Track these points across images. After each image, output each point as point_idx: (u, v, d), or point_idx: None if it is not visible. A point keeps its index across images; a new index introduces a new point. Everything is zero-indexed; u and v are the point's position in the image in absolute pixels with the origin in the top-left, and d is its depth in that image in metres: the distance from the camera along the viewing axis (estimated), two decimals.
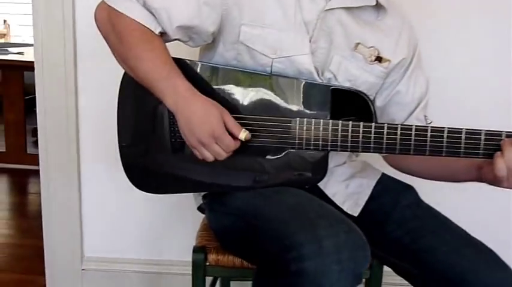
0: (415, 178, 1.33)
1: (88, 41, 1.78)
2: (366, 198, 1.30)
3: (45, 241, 1.95)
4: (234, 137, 1.09)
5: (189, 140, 1.10)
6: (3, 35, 5.01)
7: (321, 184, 1.26)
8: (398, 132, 1.09)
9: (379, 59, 1.22)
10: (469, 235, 1.20)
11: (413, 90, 1.28)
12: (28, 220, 2.82)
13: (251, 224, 1.11)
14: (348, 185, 1.30)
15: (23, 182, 3.47)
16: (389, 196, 1.30)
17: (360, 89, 1.20)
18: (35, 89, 1.83)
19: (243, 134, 1.10)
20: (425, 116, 1.30)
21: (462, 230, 1.21)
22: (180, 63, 1.14)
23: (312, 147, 1.13)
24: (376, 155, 1.31)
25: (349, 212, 1.26)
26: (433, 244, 1.17)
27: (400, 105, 1.29)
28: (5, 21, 5.06)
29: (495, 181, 1.07)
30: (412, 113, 1.28)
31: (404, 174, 1.36)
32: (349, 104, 1.15)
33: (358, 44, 1.20)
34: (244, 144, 1.11)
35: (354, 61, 1.20)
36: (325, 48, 1.19)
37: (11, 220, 2.89)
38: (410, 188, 1.32)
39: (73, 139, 1.86)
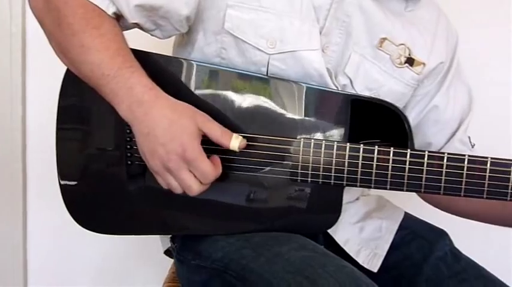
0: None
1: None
2: (387, 246, 0.98)
3: None
4: (222, 149, 0.78)
5: (149, 163, 0.78)
6: None
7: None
8: (445, 164, 0.77)
9: (410, 61, 0.91)
10: None
11: (453, 105, 0.98)
12: None
13: (233, 286, 0.78)
14: (362, 229, 0.99)
15: None
16: (418, 244, 0.99)
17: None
18: None
19: (236, 142, 0.78)
20: (469, 137, 0.99)
21: None
22: (140, 56, 0.81)
23: (320, 179, 0.81)
24: None
25: (366, 266, 0.95)
26: None
27: (439, 125, 0.98)
28: None
29: None
30: (454, 134, 0.98)
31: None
32: (373, 122, 0.84)
33: (385, 39, 0.89)
34: (227, 172, 0.79)
35: (376, 62, 0.90)
36: (340, 44, 0.88)
37: None
38: (444, 234, 1.01)
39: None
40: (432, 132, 0.98)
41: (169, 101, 0.77)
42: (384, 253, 0.97)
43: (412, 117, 0.97)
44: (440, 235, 1.01)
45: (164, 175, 0.78)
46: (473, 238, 1.24)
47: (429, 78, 0.95)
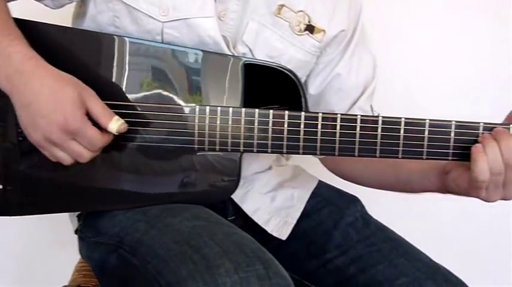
0: None
1: None
2: (298, 214, 0.98)
3: None
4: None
5: (31, 137, 0.75)
6: None
7: (236, 197, 0.93)
8: (338, 125, 0.77)
9: (310, 28, 0.90)
10: (434, 262, 0.93)
11: (356, 73, 0.98)
12: None
13: (127, 262, 0.76)
14: (273, 198, 0.98)
15: None
16: (329, 211, 0.99)
17: None
18: None
19: (115, 124, 0.75)
20: (371, 106, 0.99)
21: (425, 256, 0.94)
22: (22, 25, 0.78)
23: (217, 146, 0.80)
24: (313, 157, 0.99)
25: (274, 234, 0.94)
26: (387, 274, 0.90)
27: (341, 93, 0.98)
28: None
29: (470, 189, 0.77)
30: (356, 102, 0.98)
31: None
32: (270, 87, 0.83)
33: (283, 6, 0.88)
34: (120, 139, 0.77)
35: (276, 30, 0.88)
36: (238, 12, 0.87)
37: None
38: (355, 200, 1.02)
39: None
40: (335, 100, 0.98)
41: (51, 71, 0.74)
42: (295, 221, 0.97)
43: (316, 85, 0.97)
44: (352, 202, 1.01)
45: (49, 148, 0.75)
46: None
47: (331, 46, 0.95)
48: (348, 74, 0.97)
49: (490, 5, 1.45)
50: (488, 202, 0.75)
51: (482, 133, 0.75)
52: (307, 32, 0.90)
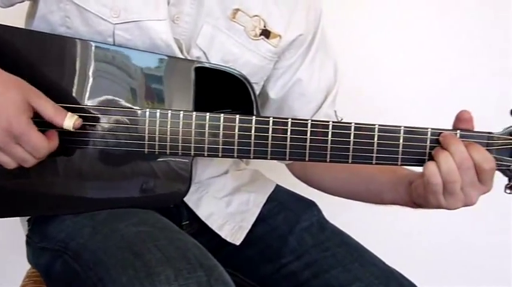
0: None
1: None
2: (253, 219, 0.97)
3: None
4: (55, 126, 0.74)
5: None
6: None
7: (190, 202, 0.92)
8: (289, 129, 0.77)
9: (265, 33, 0.90)
10: (388, 267, 0.93)
11: (318, 78, 0.98)
12: None
13: (71, 268, 0.75)
14: (229, 203, 0.98)
15: None
16: (284, 216, 0.99)
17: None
18: None
19: (70, 121, 0.74)
20: (335, 111, 0.99)
21: (379, 260, 0.94)
22: None
23: (167, 150, 0.79)
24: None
25: (228, 239, 0.94)
26: (341, 279, 0.90)
27: (303, 98, 0.97)
28: None
29: (427, 195, 0.75)
30: (320, 107, 0.97)
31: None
32: (224, 91, 0.83)
33: (238, 10, 0.88)
34: (69, 143, 0.75)
35: (231, 35, 0.88)
36: (193, 15, 0.86)
37: None
38: (312, 205, 1.02)
39: None
40: (298, 105, 0.97)
41: None
42: (249, 226, 0.96)
43: (276, 90, 0.97)
44: (308, 206, 1.01)
45: None
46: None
47: (290, 51, 0.95)
48: (310, 79, 0.97)
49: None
50: (451, 209, 0.75)
51: (430, 138, 0.76)
52: (262, 36, 0.90)
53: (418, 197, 0.78)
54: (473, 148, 0.73)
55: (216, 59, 0.87)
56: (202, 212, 0.93)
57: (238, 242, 0.93)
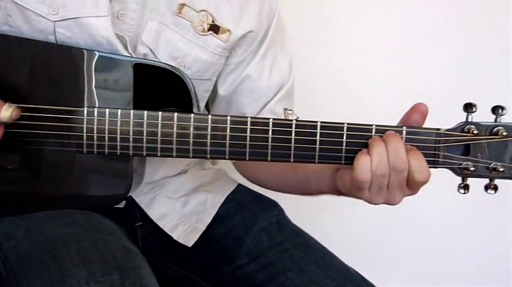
0: None
1: None
2: (208, 219, 0.95)
3: None
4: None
5: None
6: None
7: (142, 203, 0.90)
8: (228, 127, 0.75)
9: (214, 28, 0.87)
10: (347, 268, 0.91)
11: (269, 75, 0.95)
12: None
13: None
14: (186, 203, 0.96)
15: None
16: (242, 216, 0.97)
17: (191, 70, 0.86)
18: None
19: (7, 113, 0.72)
20: (285, 109, 0.96)
21: (338, 262, 0.92)
22: None
23: (106, 149, 0.77)
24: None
25: (180, 240, 0.92)
26: (296, 282, 0.88)
27: (253, 94, 0.95)
28: None
29: (352, 188, 0.72)
30: (267, 104, 0.95)
31: None
32: (166, 89, 0.80)
33: (184, 5, 0.85)
34: (7, 142, 0.74)
35: (178, 30, 0.86)
36: (138, 11, 0.84)
37: None
38: (273, 205, 0.99)
39: None
40: (247, 102, 0.94)
41: None
42: (204, 227, 0.94)
43: (225, 86, 0.94)
44: (268, 206, 0.99)
45: None
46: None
47: (241, 47, 0.92)
48: (260, 76, 0.94)
49: None
50: (372, 203, 0.72)
51: (373, 136, 0.72)
52: (211, 32, 0.88)
53: (342, 185, 0.75)
54: (414, 154, 0.70)
55: (163, 56, 0.85)
56: (154, 213, 0.91)
57: (190, 244, 0.91)
